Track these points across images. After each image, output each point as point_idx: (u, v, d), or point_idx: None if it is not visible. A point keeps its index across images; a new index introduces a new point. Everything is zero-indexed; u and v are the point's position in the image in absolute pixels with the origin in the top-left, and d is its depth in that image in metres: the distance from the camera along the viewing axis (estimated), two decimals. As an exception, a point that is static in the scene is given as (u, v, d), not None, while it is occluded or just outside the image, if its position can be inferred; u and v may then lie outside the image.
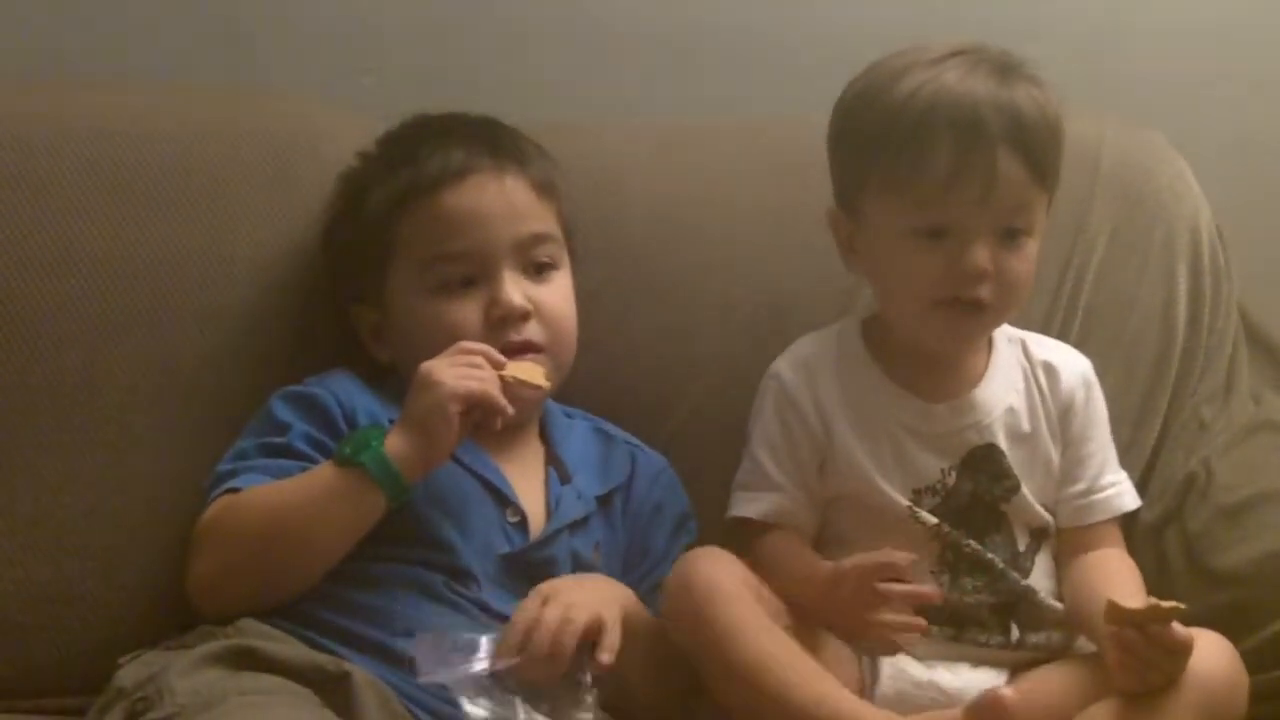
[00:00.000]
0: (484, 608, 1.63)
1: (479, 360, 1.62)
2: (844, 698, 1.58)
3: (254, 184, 1.84)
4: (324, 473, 1.61)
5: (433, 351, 1.64)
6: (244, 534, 1.60)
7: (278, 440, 1.66)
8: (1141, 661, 1.55)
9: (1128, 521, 1.78)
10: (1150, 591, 1.68)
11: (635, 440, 1.83)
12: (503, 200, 1.73)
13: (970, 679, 1.65)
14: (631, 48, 2.15)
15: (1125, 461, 1.80)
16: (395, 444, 1.59)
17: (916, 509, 1.69)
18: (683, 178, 1.94)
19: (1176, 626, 1.53)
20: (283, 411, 1.68)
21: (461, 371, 1.61)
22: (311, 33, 2.09)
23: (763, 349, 1.83)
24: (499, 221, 1.72)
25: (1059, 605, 1.72)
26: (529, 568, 1.67)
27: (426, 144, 1.76)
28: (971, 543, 1.69)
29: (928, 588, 1.63)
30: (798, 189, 1.94)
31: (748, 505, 1.72)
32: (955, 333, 1.71)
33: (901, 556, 1.61)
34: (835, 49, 2.11)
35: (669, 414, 1.89)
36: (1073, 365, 1.79)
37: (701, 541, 1.74)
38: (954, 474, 1.71)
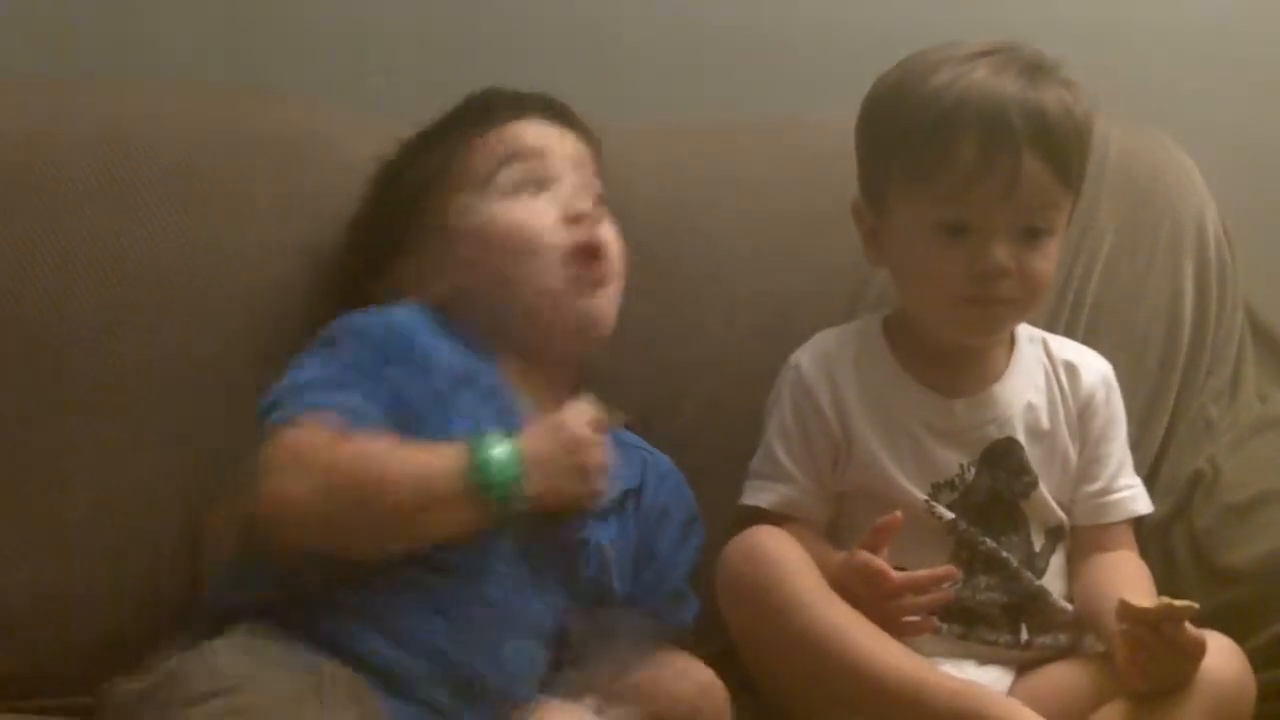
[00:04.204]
0: (505, 599, 1.62)
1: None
2: (922, 664, 1.59)
3: (259, 184, 1.84)
4: (447, 472, 1.56)
5: (511, 249, 1.66)
6: (348, 488, 1.53)
7: (345, 367, 1.61)
8: (1152, 660, 1.54)
9: (1137, 518, 1.78)
10: (1159, 590, 1.68)
11: (644, 443, 1.82)
12: (560, 141, 1.76)
13: (975, 677, 1.66)
14: (638, 48, 2.15)
15: (1132, 459, 1.81)
16: (531, 489, 1.57)
17: (933, 503, 1.69)
18: (689, 178, 1.94)
19: (1189, 628, 1.53)
20: (347, 339, 1.64)
21: (601, 472, 1.61)
22: (317, 33, 2.09)
23: (769, 349, 1.83)
24: (558, 148, 1.75)
25: (1069, 606, 1.72)
26: (555, 557, 1.66)
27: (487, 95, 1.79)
28: (987, 540, 1.70)
29: (937, 570, 1.63)
30: (805, 189, 1.95)
31: (758, 494, 1.73)
32: (977, 329, 1.72)
33: (892, 516, 1.61)
34: (841, 50, 2.13)
35: (676, 413, 1.89)
36: (1094, 366, 1.80)
37: (707, 540, 1.74)
38: (973, 469, 1.72)
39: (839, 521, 1.74)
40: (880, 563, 1.60)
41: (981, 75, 1.65)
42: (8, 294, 1.75)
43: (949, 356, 1.74)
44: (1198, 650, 1.54)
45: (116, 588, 1.74)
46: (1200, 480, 1.85)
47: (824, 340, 1.78)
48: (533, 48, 2.12)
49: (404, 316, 1.67)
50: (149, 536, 1.76)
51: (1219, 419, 1.93)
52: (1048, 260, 1.68)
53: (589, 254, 1.70)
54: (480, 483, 1.55)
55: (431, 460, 1.56)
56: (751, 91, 2.17)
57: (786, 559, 1.62)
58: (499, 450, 1.56)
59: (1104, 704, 1.60)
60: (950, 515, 1.70)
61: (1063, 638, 1.72)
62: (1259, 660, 1.61)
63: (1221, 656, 1.57)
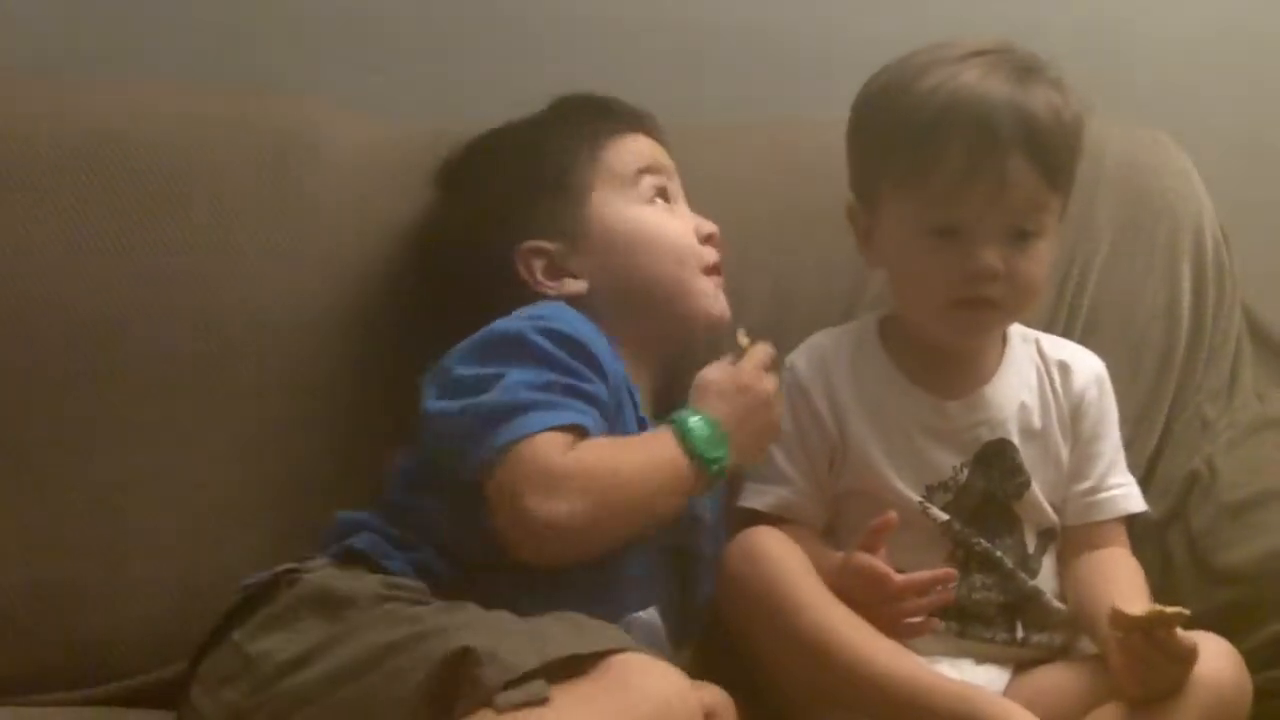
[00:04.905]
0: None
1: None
2: (920, 665, 1.59)
3: (257, 183, 1.84)
4: (674, 458, 1.60)
5: (655, 252, 1.74)
6: (608, 499, 1.56)
7: (580, 385, 1.61)
8: (1146, 666, 1.55)
9: (1131, 518, 1.77)
10: (1154, 590, 1.69)
11: None
12: (669, 159, 1.84)
13: (973, 675, 1.66)
14: (639, 48, 2.15)
15: (1128, 459, 1.80)
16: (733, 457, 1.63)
17: (928, 504, 1.70)
18: (689, 178, 1.94)
19: (1181, 634, 1.53)
20: (534, 349, 1.63)
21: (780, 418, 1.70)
22: (315, 32, 2.09)
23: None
24: (671, 166, 1.83)
25: (1064, 607, 1.72)
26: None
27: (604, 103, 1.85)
28: (981, 540, 1.70)
29: (937, 571, 1.63)
30: (804, 188, 1.95)
31: (756, 497, 1.73)
32: (966, 331, 1.72)
33: (887, 516, 1.62)
34: (841, 50, 2.12)
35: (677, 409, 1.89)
36: (1087, 364, 1.80)
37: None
38: (966, 470, 1.71)
39: (835, 523, 1.73)
40: (883, 565, 1.61)
41: (970, 78, 1.65)
42: (6, 294, 1.76)
43: (943, 357, 1.74)
44: (1190, 655, 1.54)
45: (115, 585, 1.75)
46: (1197, 480, 1.85)
47: (820, 341, 1.78)
48: (532, 48, 2.12)
49: (573, 324, 1.66)
50: (149, 536, 1.76)
51: (1216, 419, 1.93)
52: (1037, 263, 1.68)
53: (717, 270, 1.79)
54: (700, 462, 1.60)
55: (654, 449, 1.61)
56: (751, 91, 2.17)
57: (785, 560, 1.62)
58: (701, 429, 1.61)
59: (1099, 705, 1.61)
60: (944, 517, 1.70)
61: (1058, 637, 1.72)
62: (1256, 660, 1.61)
63: (1218, 659, 1.57)
